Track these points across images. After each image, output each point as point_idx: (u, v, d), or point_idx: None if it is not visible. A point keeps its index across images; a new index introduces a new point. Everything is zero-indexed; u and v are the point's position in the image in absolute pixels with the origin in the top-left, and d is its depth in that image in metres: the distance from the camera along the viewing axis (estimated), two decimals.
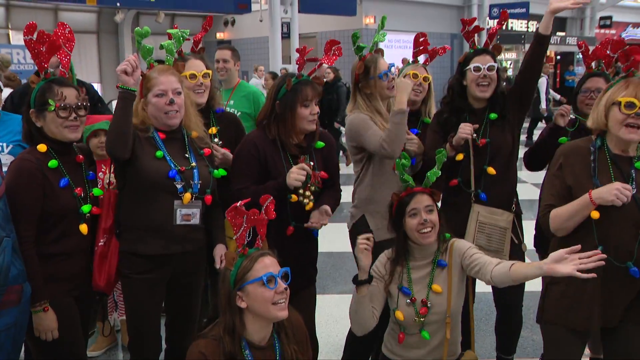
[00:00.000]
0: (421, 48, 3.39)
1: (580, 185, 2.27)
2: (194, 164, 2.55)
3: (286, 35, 14.64)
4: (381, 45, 3.19)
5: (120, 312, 3.72)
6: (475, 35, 3.14)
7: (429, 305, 2.43)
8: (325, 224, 2.68)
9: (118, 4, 12.90)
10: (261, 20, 15.43)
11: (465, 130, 2.90)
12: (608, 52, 3.03)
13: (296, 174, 2.55)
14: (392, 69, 3.04)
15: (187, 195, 2.49)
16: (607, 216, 2.19)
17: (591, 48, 3.13)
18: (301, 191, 2.64)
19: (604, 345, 2.50)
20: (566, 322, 2.37)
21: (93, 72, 18.65)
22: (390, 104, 3.10)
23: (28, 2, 15.21)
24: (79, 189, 2.43)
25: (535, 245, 3.27)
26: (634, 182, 2.23)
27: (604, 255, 2.01)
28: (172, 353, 2.76)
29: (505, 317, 3.19)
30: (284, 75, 2.71)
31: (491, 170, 2.97)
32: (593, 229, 2.22)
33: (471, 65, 2.95)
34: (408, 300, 2.45)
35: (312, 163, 2.69)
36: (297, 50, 2.77)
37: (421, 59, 3.60)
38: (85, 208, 2.43)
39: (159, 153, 2.49)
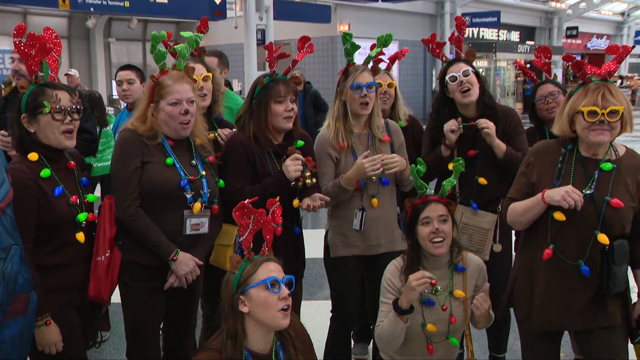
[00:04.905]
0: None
1: (542, 183, 2.34)
2: (203, 172, 2.53)
3: (261, 42, 14.60)
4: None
5: None
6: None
7: (452, 312, 2.45)
8: (322, 206, 2.68)
9: (92, 9, 12.70)
10: (236, 27, 15.39)
11: (449, 125, 2.99)
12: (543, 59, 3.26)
13: (294, 165, 2.62)
14: (370, 92, 2.89)
15: (197, 205, 2.47)
16: (567, 216, 2.24)
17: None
18: (301, 179, 2.67)
19: (580, 347, 2.54)
20: (537, 321, 2.40)
21: (63, 79, 18.28)
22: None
23: None
24: (74, 197, 2.37)
25: (515, 250, 3.31)
26: (594, 183, 2.27)
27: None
28: None
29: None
30: (260, 75, 2.77)
31: (482, 181, 3.04)
32: (549, 228, 2.29)
33: (447, 77, 3.03)
34: (441, 309, 2.43)
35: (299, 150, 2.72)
36: (265, 47, 2.79)
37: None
38: (82, 216, 2.37)
39: (169, 160, 2.46)
